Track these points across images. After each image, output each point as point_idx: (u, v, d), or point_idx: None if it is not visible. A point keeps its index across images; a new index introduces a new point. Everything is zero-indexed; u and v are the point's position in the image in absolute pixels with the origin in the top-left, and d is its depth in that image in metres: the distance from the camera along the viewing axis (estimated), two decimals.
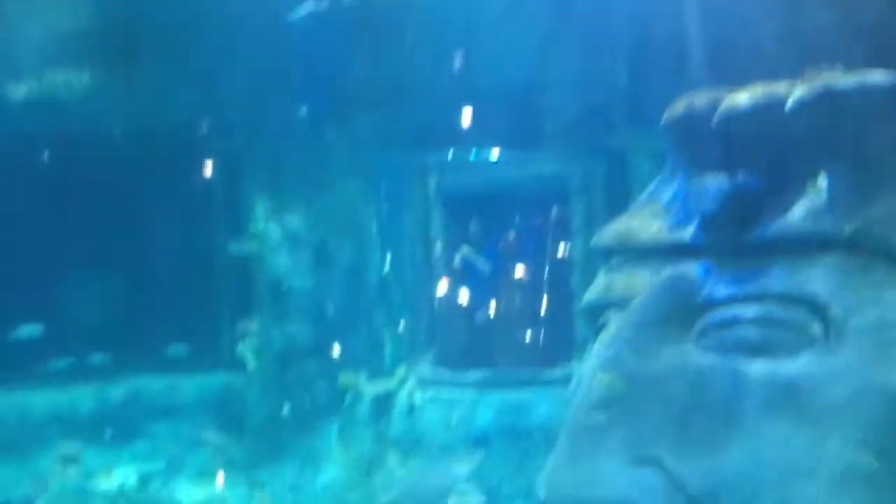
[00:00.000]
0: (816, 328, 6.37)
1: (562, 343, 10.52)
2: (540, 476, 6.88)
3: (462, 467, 9.41)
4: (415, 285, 11.91)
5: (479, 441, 10.03)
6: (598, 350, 6.95)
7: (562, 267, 11.04)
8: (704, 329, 6.73)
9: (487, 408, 10.17)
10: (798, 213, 6.71)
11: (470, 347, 11.38)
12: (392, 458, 10.46)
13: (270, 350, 11.72)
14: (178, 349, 12.40)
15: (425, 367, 11.23)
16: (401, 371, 11.01)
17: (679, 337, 6.78)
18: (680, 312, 6.82)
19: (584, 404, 6.83)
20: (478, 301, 11.56)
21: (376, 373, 11.48)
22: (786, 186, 6.75)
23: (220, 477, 11.35)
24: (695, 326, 6.78)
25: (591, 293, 7.79)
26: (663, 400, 6.62)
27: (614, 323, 7.01)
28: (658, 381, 6.69)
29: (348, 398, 11.27)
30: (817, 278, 6.43)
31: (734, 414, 6.42)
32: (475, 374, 10.69)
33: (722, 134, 6.76)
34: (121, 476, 10.99)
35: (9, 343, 11.48)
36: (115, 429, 11.88)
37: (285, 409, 11.62)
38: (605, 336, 6.97)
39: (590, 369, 6.98)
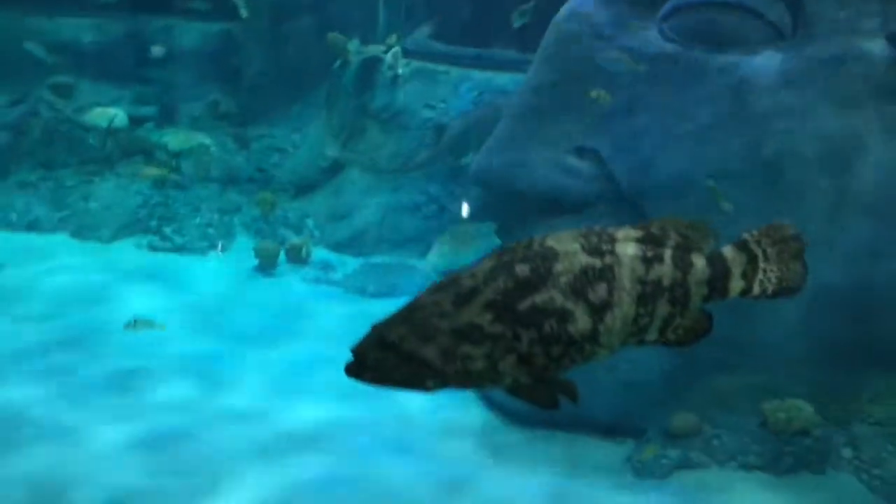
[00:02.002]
0: (787, 24, 5.67)
1: None
2: (476, 157, 6.64)
3: None
4: None
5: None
6: (555, 25, 6.38)
7: None
8: (671, 11, 6.08)
9: (471, 87, 9.69)
10: None
11: (469, 24, 10.67)
12: (371, 129, 10.25)
13: (264, 0, 11.16)
14: None
15: (418, 39, 10.64)
16: (391, 40, 10.43)
17: (642, 18, 6.15)
18: None
19: (528, 86, 6.42)
20: None
21: (368, 39, 10.96)
22: None
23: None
24: (662, 7, 6.13)
25: None
26: (612, 87, 6.15)
27: None
28: (612, 66, 6.17)
29: (337, 63, 10.84)
30: None
31: (683, 106, 5.96)
32: (466, 51, 10.11)
33: None
34: (111, 115, 10.96)
35: None
36: (115, 67, 11.81)
37: (278, 67, 11.35)
38: (566, 9, 6.35)
39: (542, 48, 6.47)
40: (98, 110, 11.15)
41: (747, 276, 2.30)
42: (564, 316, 2.09)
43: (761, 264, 2.31)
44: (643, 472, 6.35)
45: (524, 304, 2.05)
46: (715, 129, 5.78)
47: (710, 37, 5.86)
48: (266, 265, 9.48)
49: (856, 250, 5.74)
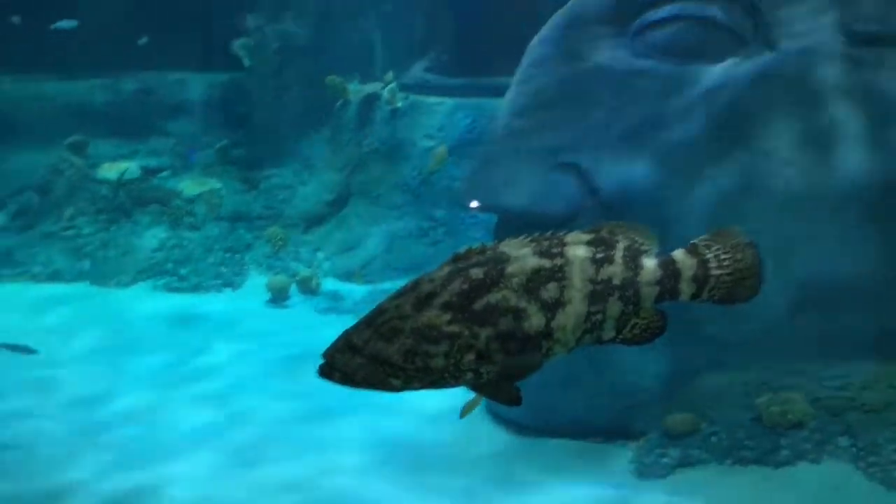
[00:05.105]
0: (749, 31, 5.96)
1: None
2: (461, 180, 6.93)
3: None
4: None
5: (456, 149, 10.03)
6: (530, 49, 6.69)
7: None
8: (641, 28, 6.38)
9: (465, 115, 10.05)
10: None
11: (463, 56, 11.06)
12: (373, 161, 10.63)
13: (266, 48, 11.62)
14: (184, 46, 12.56)
15: (415, 73, 11.05)
16: (388, 76, 10.84)
17: (613, 36, 6.46)
18: (617, 10, 6.44)
19: (508, 110, 6.71)
20: (473, 9, 11.05)
21: (367, 78, 11.39)
22: None
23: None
24: (632, 25, 6.43)
25: None
26: (588, 105, 6.44)
27: (549, 21, 6.68)
28: (585, 84, 6.48)
29: (338, 103, 11.27)
30: None
31: (658, 118, 6.23)
32: (460, 81, 10.49)
33: None
34: (122, 168, 11.45)
35: (25, 33, 11.71)
36: (128, 123, 12.36)
37: (283, 111, 11.80)
38: (539, 34, 6.67)
39: (519, 72, 6.77)
40: (107, 164, 11.65)
41: (698, 280, 2.36)
42: (518, 314, 2.20)
43: (714, 271, 2.37)
44: (645, 472, 6.55)
45: (479, 304, 2.17)
46: (688, 137, 6.06)
47: (678, 50, 6.15)
48: (278, 298, 9.82)
49: (827, 247, 5.96)
